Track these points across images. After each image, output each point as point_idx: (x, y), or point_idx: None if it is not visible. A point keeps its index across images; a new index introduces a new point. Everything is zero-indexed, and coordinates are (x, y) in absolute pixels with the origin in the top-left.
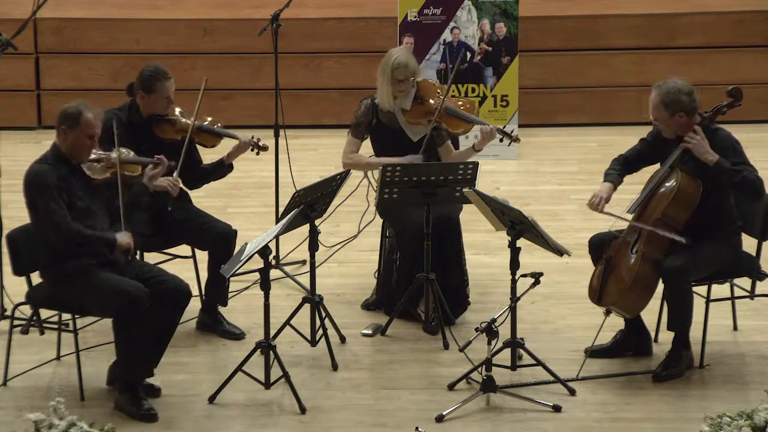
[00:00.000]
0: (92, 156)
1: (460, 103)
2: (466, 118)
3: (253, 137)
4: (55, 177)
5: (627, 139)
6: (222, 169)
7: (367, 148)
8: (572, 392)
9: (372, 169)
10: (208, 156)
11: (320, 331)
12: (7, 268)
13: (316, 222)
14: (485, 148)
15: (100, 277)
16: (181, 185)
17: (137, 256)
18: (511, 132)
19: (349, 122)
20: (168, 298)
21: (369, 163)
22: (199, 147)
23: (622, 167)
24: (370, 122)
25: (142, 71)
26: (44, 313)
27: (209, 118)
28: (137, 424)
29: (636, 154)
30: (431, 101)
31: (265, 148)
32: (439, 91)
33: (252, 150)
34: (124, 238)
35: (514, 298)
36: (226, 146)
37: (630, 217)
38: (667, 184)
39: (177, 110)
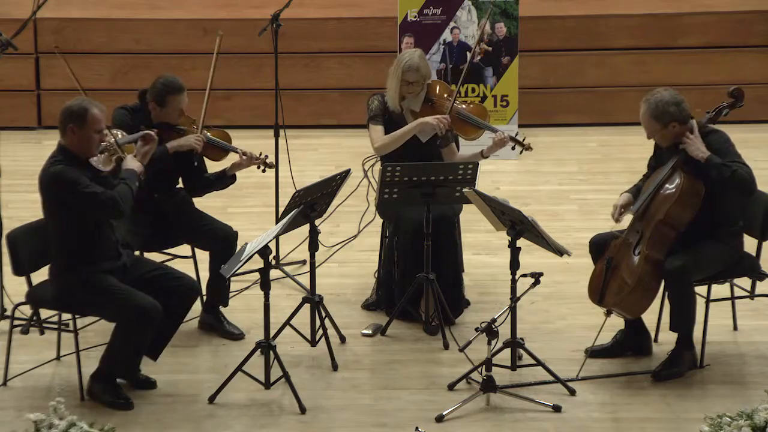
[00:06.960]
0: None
1: (471, 107)
2: (477, 124)
3: (261, 154)
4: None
5: (627, 139)
6: (225, 180)
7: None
8: (572, 392)
9: (403, 140)
10: (210, 166)
11: (320, 331)
12: (7, 268)
13: (316, 222)
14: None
15: (116, 287)
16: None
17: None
18: (523, 140)
19: (349, 122)
20: (178, 294)
21: (396, 137)
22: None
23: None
24: (383, 116)
25: (156, 82)
26: (44, 313)
27: (216, 130)
28: (137, 423)
29: (652, 170)
30: (442, 104)
31: (271, 166)
32: (448, 94)
33: (258, 168)
34: (132, 163)
35: (514, 298)
36: (231, 157)
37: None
38: (670, 185)
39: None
